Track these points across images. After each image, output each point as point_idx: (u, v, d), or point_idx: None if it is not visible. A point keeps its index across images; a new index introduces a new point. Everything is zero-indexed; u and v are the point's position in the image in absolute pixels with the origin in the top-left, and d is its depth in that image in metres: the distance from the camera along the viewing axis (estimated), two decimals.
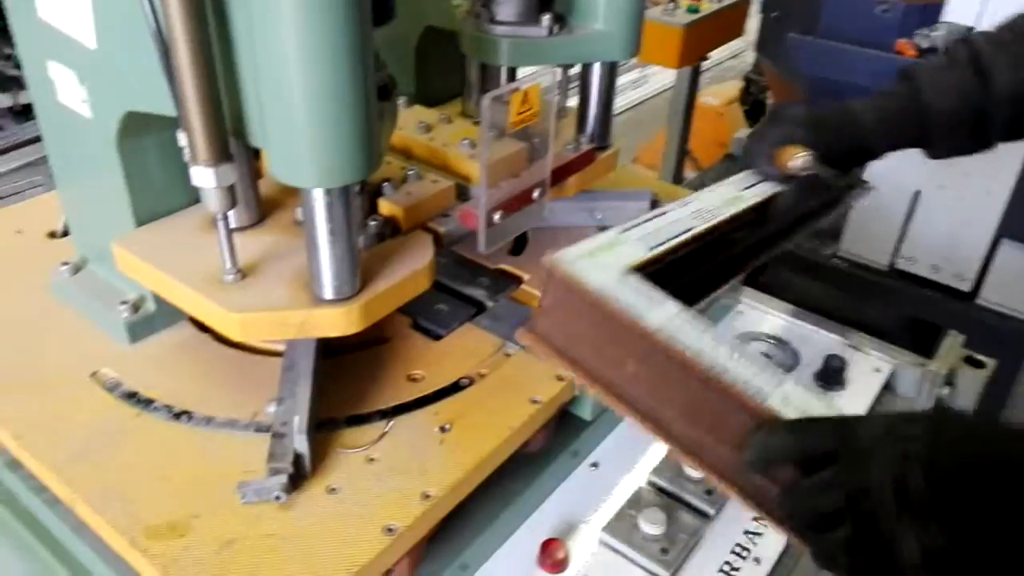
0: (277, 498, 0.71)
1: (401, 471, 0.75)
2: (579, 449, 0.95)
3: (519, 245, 1.06)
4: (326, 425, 0.80)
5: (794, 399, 0.60)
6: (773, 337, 1.19)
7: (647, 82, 4.36)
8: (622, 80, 4.43)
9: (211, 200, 0.71)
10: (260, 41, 0.63)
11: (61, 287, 0.93)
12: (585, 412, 0.94)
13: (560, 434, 0.93)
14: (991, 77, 0.82)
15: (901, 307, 1.87)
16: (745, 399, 0.59)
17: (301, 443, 0.73)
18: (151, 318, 0.88)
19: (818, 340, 1.20)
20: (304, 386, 0.77)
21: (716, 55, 2.87)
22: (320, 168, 0.66)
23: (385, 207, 0.86)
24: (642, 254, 0.71)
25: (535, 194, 0.90)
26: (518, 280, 1.00)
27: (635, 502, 0.88)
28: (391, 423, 0.80)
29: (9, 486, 0.85)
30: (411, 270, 0.80)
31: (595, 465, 0.96)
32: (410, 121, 1.01)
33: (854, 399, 1.11)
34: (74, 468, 0.74)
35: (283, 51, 0.62)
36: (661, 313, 0.65)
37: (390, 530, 0.70)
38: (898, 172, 1.65)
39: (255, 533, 0.69)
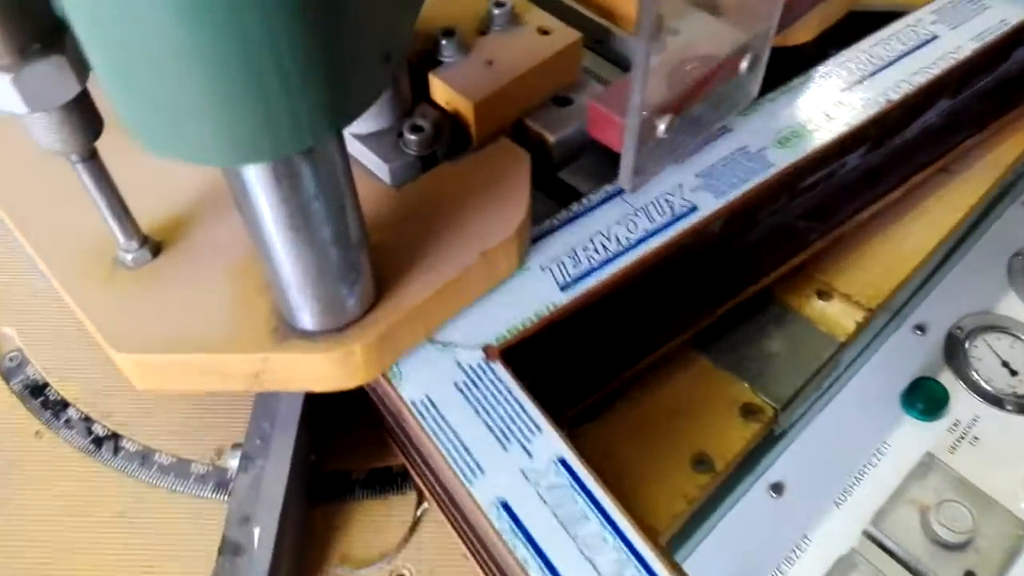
0: None
1: None
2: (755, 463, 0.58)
3: None
4: (331, 488, 0.45)
5: None
6: None
7: None
8: None
9: (33, 131, 0.32)
10: None
11: None
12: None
13: None
14: None
15: None
16: None
17: None
18: None
19: None
20: (282, 451, 0.41)
21: None
22: (230, 136, 0.25)
23: (440, 90, 0.43)
24: (545, 304, 0.38)
25: (744, 63, 0.43)
26: None
27: (845, 568, 0.52)
28: (424, 504, 0.44)
29: None
30: (479, 251, 0.39)
31: (777, 489, 0.59)
32: None
33: None
34: None
35: None
36: (509, 467, 0.34)
37: None
38: None
39: None
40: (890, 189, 0.51)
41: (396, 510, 0.44)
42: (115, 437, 0.47)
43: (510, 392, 0.35)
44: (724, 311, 0.46)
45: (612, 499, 0.32)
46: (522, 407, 0.35)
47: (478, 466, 0.33)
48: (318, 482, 0.45)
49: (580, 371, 0.42)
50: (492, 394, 0.36)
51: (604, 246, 0.40)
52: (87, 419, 0.47)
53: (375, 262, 0.37)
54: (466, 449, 0.34)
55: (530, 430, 0.34)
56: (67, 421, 0.47)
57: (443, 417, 0.35)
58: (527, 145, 0.44)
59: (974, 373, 0.64)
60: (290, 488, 0.41)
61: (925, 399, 0.62)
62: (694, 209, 0.42)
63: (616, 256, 0.40)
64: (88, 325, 0.37)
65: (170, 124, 0.24)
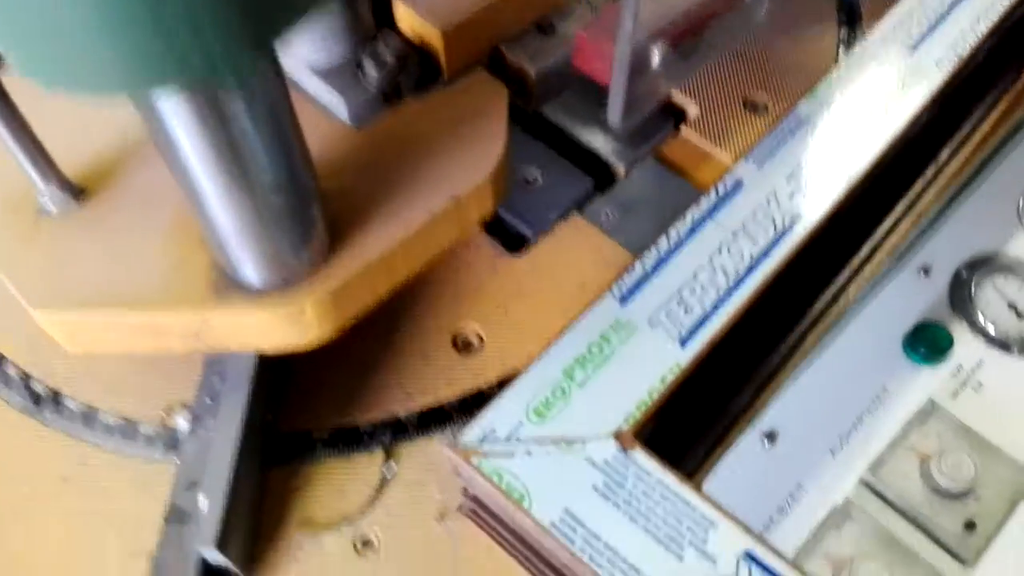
0: None
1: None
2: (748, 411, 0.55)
3: None
4: (290, 448, 0.42)
5: None
6: None
7: None
8: None
9: None
10: None
11: None
12: None
13: None
14: None
15: None
16: None
17: (215, 555, 0.36)
18: None
19: None
20: (233, 410, 0.38)
21: None
22: (114, 54, 0.20)
23: (405, 16, 0.38)
24: (668, 366, 0.32)
25: None
26: (678, 116, 0.52)
27: (840, 519, 0.50)
28: (392, 464, 0.41)
29: None
30: (449, 195, 0.34)
31: (770, 437, 0.56)
32: None
33: None
34: None
35: None
36: None
37: None
38: None
39: None
40: (960, 146, 0.46)
41: (361, 470, 0.41)
42: (56, 395, 0.43)
43: (665, 486, 0.30)
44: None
45: None
46: (684, 501, 0.30)
47: None
48: (275, 442, 0.42)
49: (700, 422, 0.38)
50: (643, 492, 0.30)
51: (712, 283, 0.35)
52: (25, 375, 0.44)
53: (331, 209, 0.33)
54: (636, 570, 0.28)
55: (701, 527, 0.30)
56: (4, 378, 0.44)
57: (595, 535, 0.29)
58: (505, 78, 0.39)
59: (980, 316, 0.61)
60: (242, 450, 0.38)
61: (928, 343, 0.58)
62: (798, 218, 0.38)
63: (730, 292, 0.35)
64: (6, 280, 0.33)
65: (40, 42, 0.20)
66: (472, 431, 0.32)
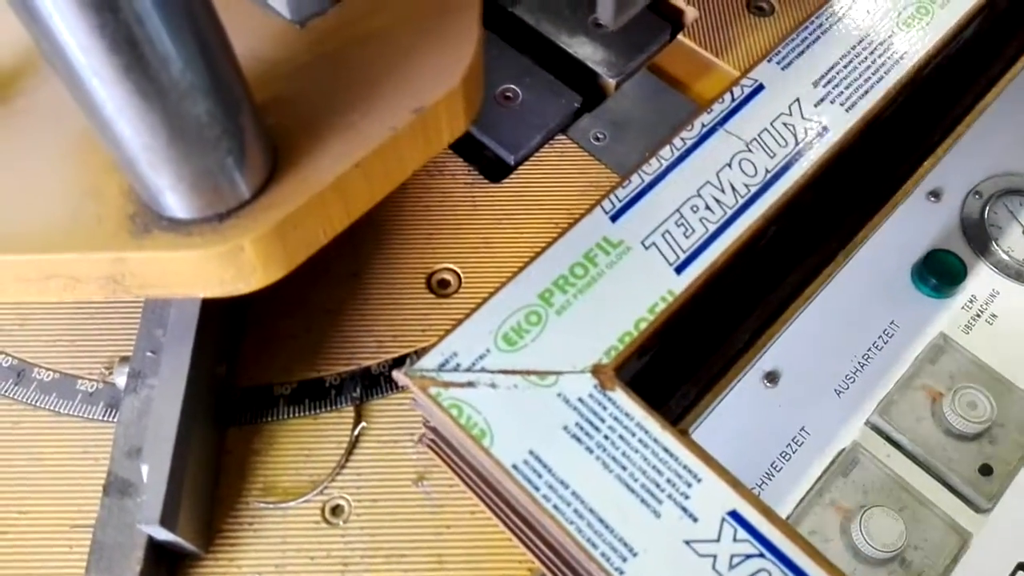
0: None
1: (395, 550, 0.33)
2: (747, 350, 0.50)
3: None
4: (249, 405, 0.36)
5: None
6: None
7: None
8: None
9: None
10: None
11: None
12: None
13: None
14: None
15: None
16: None
17: (160, 532, 0.30)
18: None
19: None
20: (176, 365, 0.32)
21: None
22: None
23: None
24: (659, 294, 0.28)
25: None
26: (675, 22, 0.45)
27: (847, 465, 0.45)
28: (363, 422, 0.35)
29: None
30: (412, 108, 0.28)
31: (771, 378, 0.52)
32: None
33: None
34: None
35: None
36: (669, 540, 0.24)
37: None
38: None
39: None
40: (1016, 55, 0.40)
41: (330, 430, 0.36)
42: None
43: (645, 431, 0.25)
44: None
45: (821, 563, 0.23)
46: (666, 450, 0.25)
47: (626, 546, 0.24)
48: (232, 399, 0.36)
49: (692, 363, 0.32)
50: (620, 436, 0.26)
51: (718, 200, 0.30)
52: None
53: (270, 125, 0.27)
54: (604, 524, 0.24)
55: (684, 481, 0.25)
56: None
57: (561, 481, 0.25)
58: None
59: (993, 243, 0.56)
60: (189, 410, 0.32)
61: (939, 273, 0.53)
62: (824, 131, 0.31)
63: (739, 212, 0.29)
64: None
65: None
66: (432, 356, 0.27)
